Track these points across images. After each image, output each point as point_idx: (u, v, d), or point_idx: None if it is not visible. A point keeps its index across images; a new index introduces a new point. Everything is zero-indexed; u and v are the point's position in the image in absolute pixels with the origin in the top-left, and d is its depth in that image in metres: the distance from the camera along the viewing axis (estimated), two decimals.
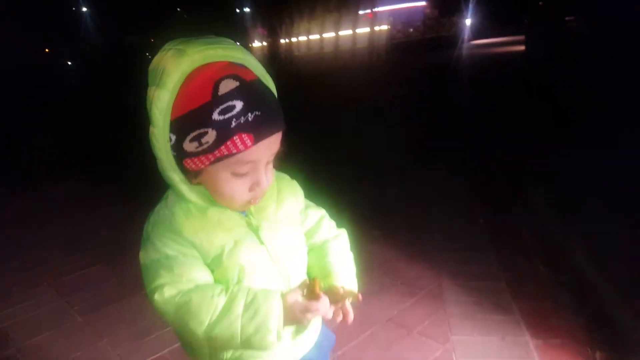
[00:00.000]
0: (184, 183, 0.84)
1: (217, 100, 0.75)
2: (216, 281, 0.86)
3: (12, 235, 3.31)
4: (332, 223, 1.05)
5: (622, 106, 4.01)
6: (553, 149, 3.57)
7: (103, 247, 2.92)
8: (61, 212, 3.72)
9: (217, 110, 0.75)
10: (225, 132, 0.75)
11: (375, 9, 32.39)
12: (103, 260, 2.73)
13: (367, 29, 26.04)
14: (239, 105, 0.75)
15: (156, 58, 0.80)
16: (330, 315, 0.83)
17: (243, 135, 0.76)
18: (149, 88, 0.81)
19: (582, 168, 3.07)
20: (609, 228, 2.30)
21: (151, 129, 0.81)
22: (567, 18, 13.04)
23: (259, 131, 0.77)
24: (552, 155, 3.45)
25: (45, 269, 2.67)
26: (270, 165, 0.86)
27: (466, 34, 19.08)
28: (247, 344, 0.81)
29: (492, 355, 1.64)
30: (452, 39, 19.52)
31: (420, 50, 17.74)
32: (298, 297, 0.82)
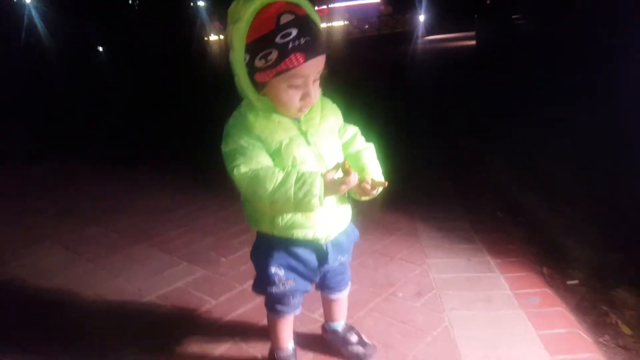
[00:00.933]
0: (254, 93, 1.15)
1: (279, 28, 1.06)
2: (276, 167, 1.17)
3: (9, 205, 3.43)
4: (363, 138, 1.36)
5: (556, 92, 4.60)
6: (505, 125, 4.05)
7: (96, 209, 3.10)
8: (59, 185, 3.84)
9: (279, 35, 1.06)
10: (284, 52, 1.06)
11: (331, 5, 32.70)
12: (100, 222, 2.91)
13: (323, 25, 26.27)
14: (294, 32, 1.06)
15: (233, 3, 1.11)
16: (355, 182, 1.13)
17: (297, 54, 1.07)
18: (228, 25, 1.11)
19: (530, 140, 3.55)
20: (554, 184, 2.75)
21: (231, 53, 1.12)
22: (513, 16, 14.09)
23: (309, 51, 1.08)
24: (505, 130, 3.92)
25: (44, 232, 2.82)
26: (317, 83, 1.17)
27: (420, 30, 19.81)
28: (298, 206, 1.12)
29: (461, 271, 2.00)
30: (407, 35, 20.26)
31: (376, 45, 18.26)
32: (334, 175, 1.13)
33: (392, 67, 10.80)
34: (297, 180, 1.11)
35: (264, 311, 1.48)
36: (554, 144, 3.43)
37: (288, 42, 1.06)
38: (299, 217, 1.22)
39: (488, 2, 14.54)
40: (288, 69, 1.08)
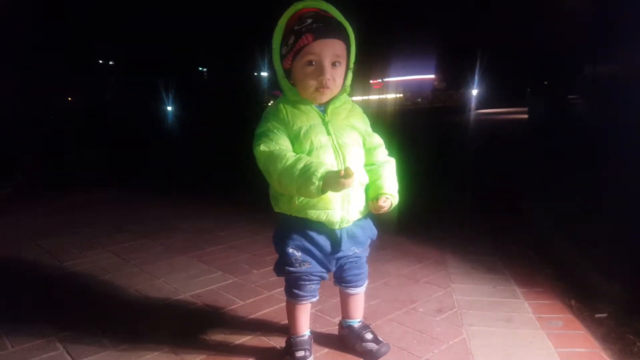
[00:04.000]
0: (285, 82, 1.37)
1: (299, 21, 1.30)
2: (295, 151, 1.33)
3: (70, 219, 3.76)
4: (386, 151, 1.51)
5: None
6: (544, 181, 4.08)
7: (148, 226, 3.35)
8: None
9: (297, 25, 1.30)
10: (298, 35, 1.30)
11: (386, 79, 33.97)
12: (149, 236, 3.14)
13: (377, 96, 27.27)
14: (309, 21, 1.30)
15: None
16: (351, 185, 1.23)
17: (307, 35, 1.29)
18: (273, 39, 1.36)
19: (566, 193, 3.59)
20: (584, 230, 2.74)
21: (273, 57, 1.37)
22: (570, 96, 14.34)
23: (318, 33, 1.29)
24: (545, 185, 3.95)
25: (98, 241, 3.07)
26: (337, 69, 1.34)
27: (472, 103, 20.14)
28: (300, 189, 1.25)
29: (485, 295, 2.01)
30: (459, 108, 20.61)
31: (429, 115, 18.65)
32: (336, 174, 1.22)
33: (442, 134, 11.00)
34: (304, 166, 1.24)
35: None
36: (589, 198, 3.47)
37: (302, 28, 1.30)
38: (309, 201, 1.34)
39: (546, 82, 14.90)
40: (301, 48, 1.30)
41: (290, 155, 1.28)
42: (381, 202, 1.38)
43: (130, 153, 7.54)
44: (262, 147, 1.31)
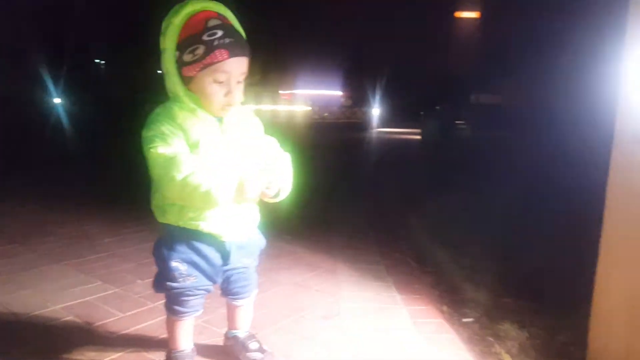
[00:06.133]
0: (182, 87, 1.29)
1: (206, 29, 1.25)
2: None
3: None
4: (281, 149, 1.45)
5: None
6: (430, 195, 4.42)
7: (19, 231, 3.03)
8: None
9: (206, 34, 1.24)
10: (210, 47, 1.23)
11: (295, 91, 34.51)
12: (19, 241, 2.83)
13: (285, 107, 27.58)
14: (220, 33, 1.25)
15: (168, 14, 1.28)
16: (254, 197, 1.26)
17: (222, 50, 1.24)
18: (161, 34, 1.28)
19: (447, 207, 3.93)
20: (461, 242, 3.01)
21: (162, 55, 1.28)
22: (457, 121, 15.97)
23: (232, 50, 1.26)
24: (430, 199, 4.27)
25: None
26: (240, 86, 1.31)
27: (374, 121, 21.15)
28: (205, 196, 1.21)
29: (370, 302, 2.12)
30: (362, 125, 21.56)
31: (334, 130, 19.24)
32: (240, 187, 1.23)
33: (344, 148, 11.41)
34: (209, 173, 1.21)
35: None
36: (465, 213, 3.86)
37: (214, 40, 1.23)
38: (202, 211, 1.30)
39: (438, 107, 16.35)
40: (213, 63, 1.23)
41: (194, 160, 1.22)
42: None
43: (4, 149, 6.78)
44: (161, 150, 1.22)
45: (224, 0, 1.32)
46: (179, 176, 1.20)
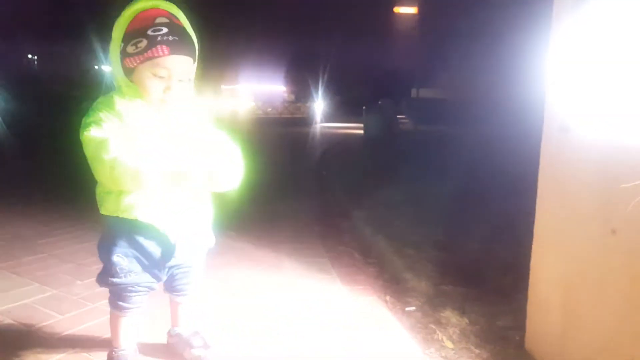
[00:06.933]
0: (123, 78, 1.30)
1: (152, 24, 1.26)
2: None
3: None
4: (230, 143, 1.39)
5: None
6: (373, 188, 4.56)
7: None
8: None
9: (151, 29, 1.25)
10: (153, 42, 1.25)
11: (237, 85, 34.02)
12: None
13: (229, 102, 27.15)
14: (164, 30, 1.26)
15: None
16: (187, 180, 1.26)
17: (163, 46, 1.25)
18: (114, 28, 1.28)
19: (389, 199, 4.07)
20: (402, 233, 3.14)
21: (110, 46, 1.29)
22: (398, 116, 16.47)
23: (174, 47, 1.27)
24: (373, 192, 4.40)
25: None
26: (183, 84, 1.31)
27: (317, 116, 21.25)
28: (134, 177, 1.20)
29: (315, 294, 2.18)
30: (306, 120, 21.62)
31: (278, 125, 19.19)
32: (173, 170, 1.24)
33: (288, 143, 11.46)
34: (140, 154, 1.21)
35: None
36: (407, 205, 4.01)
37: (157, 36, 1.25)
38: (141, 197, 1.29)
39: (380, 102, 16.73)
40: (154, 57, 1.25)
41: (127, 146, 1.22)
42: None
43: None
44: (93, 134, 1.23)
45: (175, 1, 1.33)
46: (107, 157, 1.20)
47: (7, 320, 1.81)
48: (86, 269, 2.37)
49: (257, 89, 34.40)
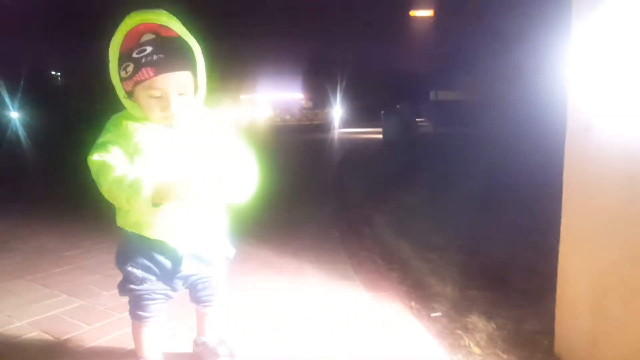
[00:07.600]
0: (127, 101, 1.32)
1: (137, 45, 1.25)
2: (134, 165, 1.28)
3: None
4: (247, 160, 1.37)
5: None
6: (394, 192, 4.52)
7: None
8: None
9: (136, 51, 1.24)
10: (137, 65, 1.24)
11: (256, 95, 34.31)
12: None
13: (248, 111, 27.40)
14: (149, 49, 1.24)
15: None
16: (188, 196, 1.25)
17: (148, 69, 1.24)
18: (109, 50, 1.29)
19: (410, 204, 4.03)
20: (425, 238, 3.10)
21: (110, 69, 1.29)
22: (417, 119, 16.36)
23: (160, 67, 1.24)
24: (394, 197, 4.36)
25: None
26: (183, 97, 1.30)
27: (336, 122, 21.31)
28: (129, 200, 1.22)
29: (338, 301, 2.16)
30: (324, 127, 21.69)
31: (298, 132, 19.30)
32: (170, 185, 1.23)
33: (307, 149, 11.51)
34: (134, 177, 1.22)
35: None
36: (429, 209, 3.97)
37: (141, 58, 1.23)
38: (143, 216, 1.31)
39: (398, 106, 16.67)
40: (142, 81, 1.25)
41: (122, 167, 1.24)
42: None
43: None
44: (95, 157, 1.26)
45: (176, 9, 1.33)
46: (105, 180, 1.23)
47: (36, 332, 1.86)
48: (112, 280, 2.39)
49: (275, 97, 34.64)
